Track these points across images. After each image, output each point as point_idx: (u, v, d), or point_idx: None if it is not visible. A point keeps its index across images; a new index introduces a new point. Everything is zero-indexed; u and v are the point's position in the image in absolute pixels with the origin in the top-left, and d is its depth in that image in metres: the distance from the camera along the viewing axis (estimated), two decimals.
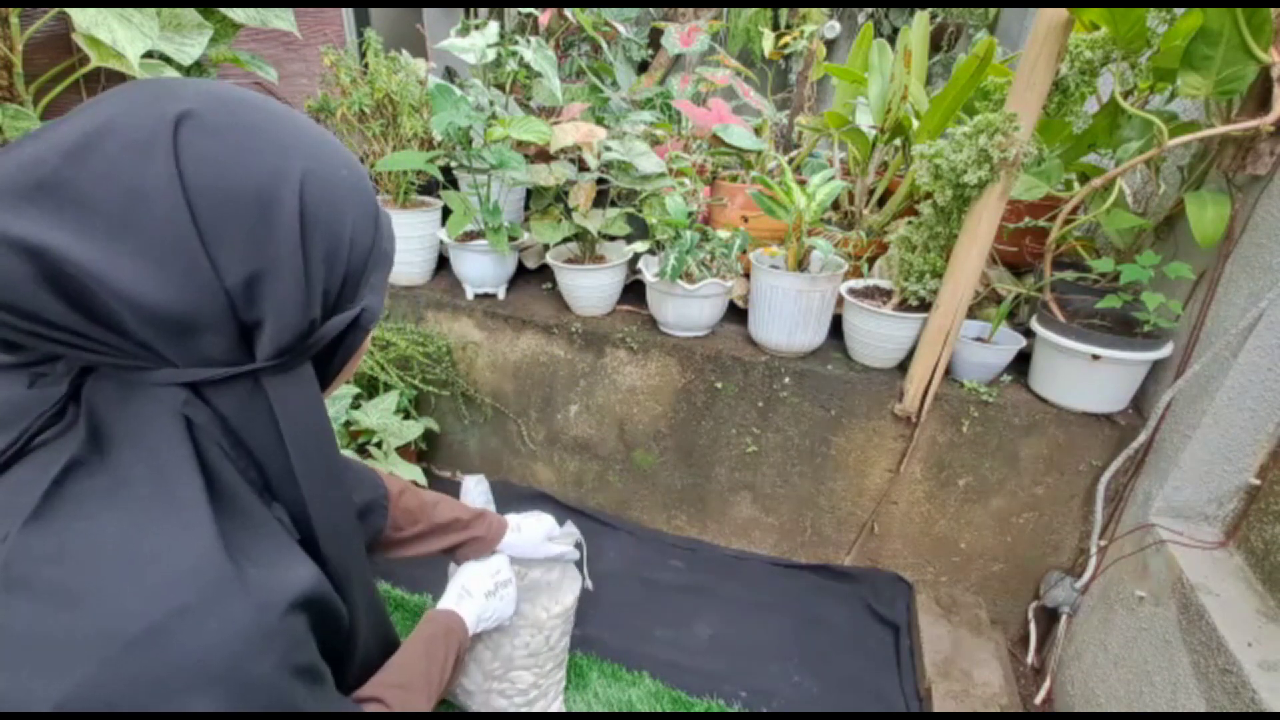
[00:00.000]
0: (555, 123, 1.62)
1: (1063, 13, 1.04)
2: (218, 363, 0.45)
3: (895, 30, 3.03)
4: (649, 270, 1.49)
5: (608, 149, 1.53)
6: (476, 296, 1.71)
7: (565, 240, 1.62)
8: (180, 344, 0.43)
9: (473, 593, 0.95)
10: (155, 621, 0.39)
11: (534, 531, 1.12)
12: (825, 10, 2.82)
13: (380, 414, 1.57)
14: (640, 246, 1.52)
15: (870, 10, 3.08)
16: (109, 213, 0.40)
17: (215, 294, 0.43)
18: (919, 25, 1.43)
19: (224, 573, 0.42)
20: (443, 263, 1.85)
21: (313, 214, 0.46)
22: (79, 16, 1.06)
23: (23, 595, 0.39)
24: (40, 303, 0.39)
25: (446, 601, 0.95)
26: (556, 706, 1.25)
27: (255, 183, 0.43)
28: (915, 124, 1.47)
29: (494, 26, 1.61)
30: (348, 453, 1.45)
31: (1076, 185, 1.49)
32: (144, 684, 0.39)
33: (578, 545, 1.22)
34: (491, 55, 1.58)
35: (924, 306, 1.35)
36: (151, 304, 0.41)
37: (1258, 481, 1.11)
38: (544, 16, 1.80)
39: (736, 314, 1.59)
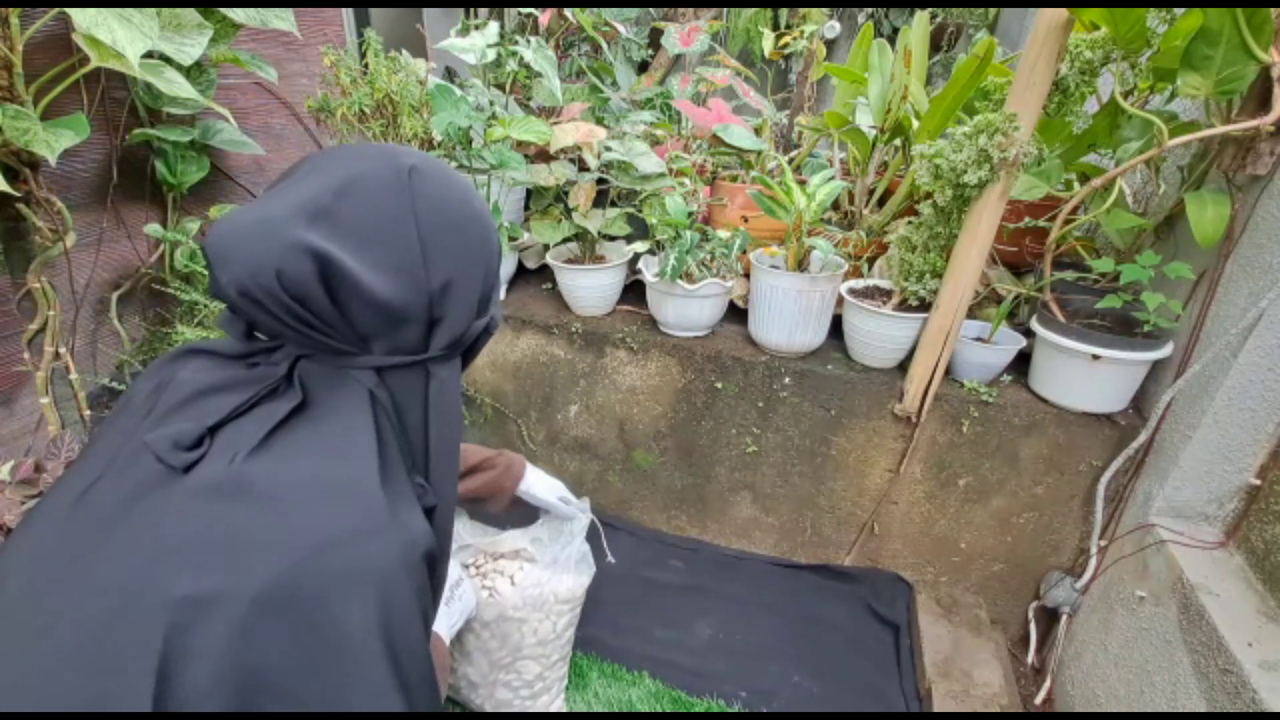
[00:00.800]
0: (555, 123, 1.62)
1: (1063, 13, 1.04)
2: (404, 352, 0.61)
3: (895, 30, 3.03)
4: (649, 270, 1.49)
5: (608, 149, 1.53)
6: None
7: (565, 240, 1.62)
8: (388, 333, 0.59)
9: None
10: (337, 534, 0.51)
11: (544, 484, 1.18)
12: (825, 10, 2.82)
13: None
14: (640, 246, 1.52)
15: (870, 10, 3.08)
16: (364, 233, 0.56)
17: (423, 294, 0.59)
18: (919, 25, 1.43)
19: (385, 511, 0.53)
20: None
21: (483, 238, 0.64)
22: (79, 16, 1.06)
23: (242, 501, 0.50)
24: (314, 295, 0.54)
25: None
26: (558, 705, 1.25)
27: (456, 214, 0.61)
28: (915, 124, 1.47)
29: (494, 26, 1.61)
30: None
31: (1076, 185, 1.49)
32: (322, 582, 0.49)
33: (592, 525, 1.25)
34: (491, 55, 1.58)
35: (924, 306, 1.35)
36: (382, 299, 0.56)
37: (1258, 481, 1.11)
38: (544, 16, 1.80)
39: (736, 314, 1.59)
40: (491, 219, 0.67)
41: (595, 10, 1.97)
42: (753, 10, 2.92)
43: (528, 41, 1.62)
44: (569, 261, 1.60)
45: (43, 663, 0.47)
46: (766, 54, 2.31)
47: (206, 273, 1.62)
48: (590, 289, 1.58)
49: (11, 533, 0.58)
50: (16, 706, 0.47)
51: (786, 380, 1.47)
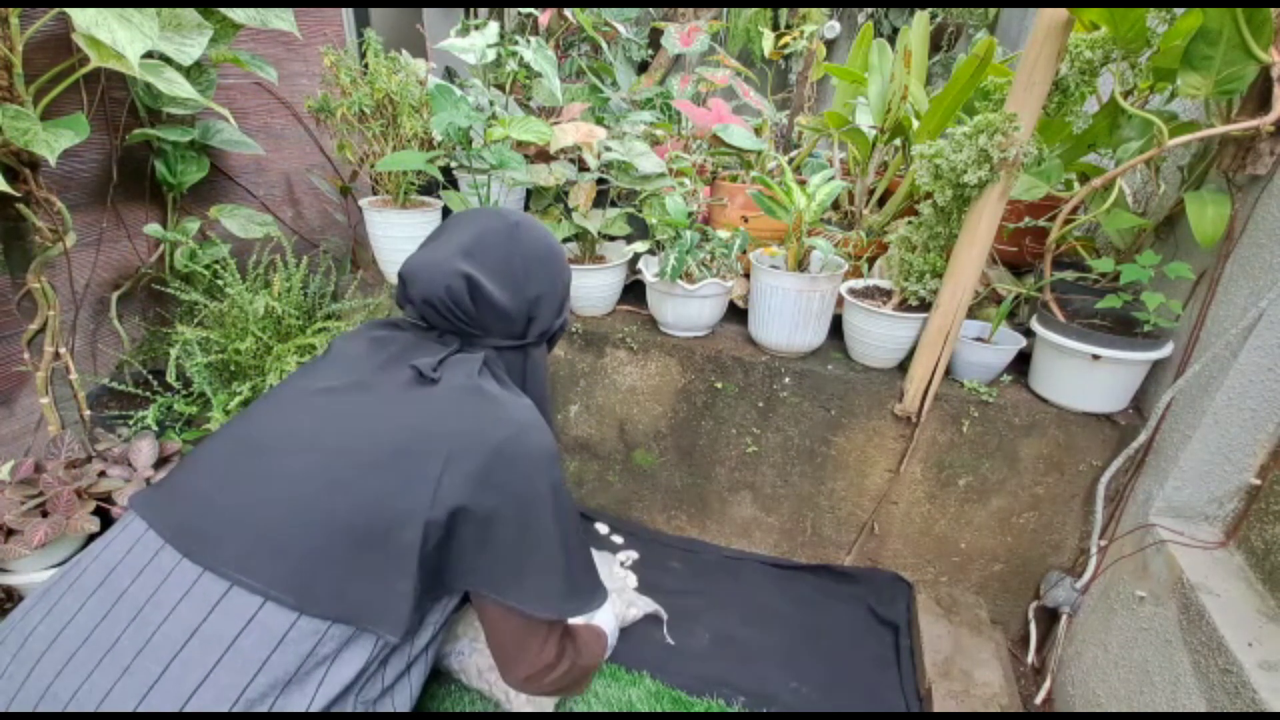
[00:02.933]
0: (555, 123, 1.62)
1: (1063, 13, 1.04)
2: (511, 338, 0.96)
3: (895, 30, 3.03)
4: (649, 270, 1.49)
5: (608, 149, 1.53)
6: None
7: (565, 240, 1.62)
8: (502, 326, 0.94)
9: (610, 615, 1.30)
10: (533, 421, 0.87)
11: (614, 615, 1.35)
12: (825, 10, 2.82)
13: None
14: (640, 246, 1.52)
15: (870, 10, 3.08)
16: (492, 264, 0.92)
17: (525, 302, 0.95)
18: (919, 25, 1.43)
19: (543, 420, 0.90)
20: None
21: (560, 266, 1.02)
22: (79, 16, 1.06)
23: (480, 396, 0.86)
24: (464, 301, 0.90)
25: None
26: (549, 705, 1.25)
27: (544, 250, 0.99)
28: (915, 124, 1.47)
29: (494, 26, 1.61)
30: None
31: (1076, 185, 1.49)
32: (527, 445, 0.84)
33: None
34: (491, 55, 1.58)
35: (924, 306, 1.35)
36: (502, 305, 0.92)
37: (1258, 481, 1.11)
38: (544, 16, 1.80)
39: (736, 314, 1.59)
40: (563, 252, 1.04)
41: (595, 10, 1.97)
42: (753, 10, 2.92)
43: (528, 41, 1.62)
44: (569, 262, 1.60)
45: (371, 457, 0.78)
46: (766, 54, 2.32)
47: (203, 272, 1.61)
48: (590, 289, 1.58)
49: (255, 407, 0.88)
50: (357, 480, 0.77)
51: (786, 380, 1.47)
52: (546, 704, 1.24)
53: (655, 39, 2.17)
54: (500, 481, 0.81)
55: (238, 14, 1.38)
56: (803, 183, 1.41)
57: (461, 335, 0.94)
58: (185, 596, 0.71)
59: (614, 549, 1.67)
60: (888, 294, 1.44)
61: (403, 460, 0.78)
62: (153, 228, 1.63)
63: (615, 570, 1.57)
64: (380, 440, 0.79)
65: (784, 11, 2.89)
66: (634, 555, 1.64)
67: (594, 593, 0.92)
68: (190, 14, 1.26)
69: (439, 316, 0.91)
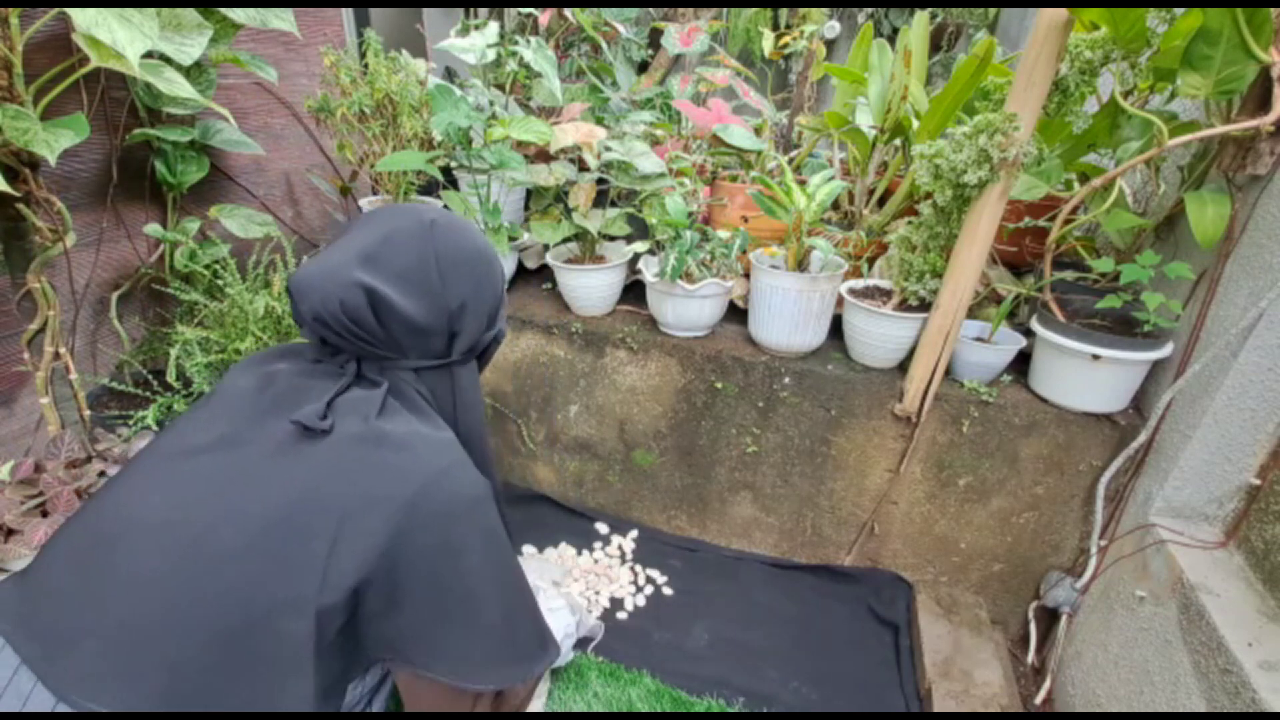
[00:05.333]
0: (555, 123, 1.62)
1: (1063, 13, 1.04)
2: (432, 357, 0.82)
3: (895, 30, 3.03)
4: (649, 270, 1.49)
5: (608, 149, 1.53)
6: None
7: (565, 240, 1.62)
8: (419, 344, 0.80)
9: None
10: (447, 465, 0.74)
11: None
12: (825, 10, 2.82)
13: None
14: (640, 246, 1.52)
15: (870, 10, 3.08)
16: (399, 271, 0.77)
17: (443, 314, 0.80)
18: (919, 25, 1.43)
19: (465, 457, 0.77)
20: None
21: (487, 269, 0.85)
22: (79, 16, 1.06)
23: (384, 445, 0.72)
24: (365, 318, 0.75)
25: None
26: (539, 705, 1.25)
27: (467, 250, 0.83)
28: (915, 124, 1.47)
29: (494, 26, 1.61)
30: None
31: (1076, 185, 1.49)
32: (448, 495, 0.72)
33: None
34: (491, 55, 1.58)
35: (924, 306, 1.35)
36: (414, 319, 0.78)
37: (1258, 481, 1.11)
38: (544, 16, 1.80)
39: (736, 314, 1.59)
40: (496, 253, 0.89)
41: (595, 10, 1.97)
42: (753, 10, 2.92)
43: (528, 41, 1.62)
44: (569, 261, 1.60)
45: (238, 539, 0.66)
46: (766, 54, 2.32)
47: (203, 272, 1.61)
48: (590, 289, 1.58)
49: (118, 476, 0.75)
50: (221, 571, 0.65)
51: (786, 380, 1.47)
52: (540, 703, 1.24)
53: (655, 39, 2.17)
54: (413, 541, 0.69)
55: (238, 14, 1.38)
56: (803, 183, 1.41)
57: (369, 358, 0.80)
58: None
59: (622, 557, 1.67)
60: (888, 294, 1.44)
61: (280, 539, 0.66)
62: (153, 228, 1.63)
63: (549, 592, 1.38)
64: (251, 516, 0.67)
65: (784, 11, 2.89)
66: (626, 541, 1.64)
67: (540, 653, 0.81)
68: (190, 14, 1.26)
69: (337, 337, 0.77)
